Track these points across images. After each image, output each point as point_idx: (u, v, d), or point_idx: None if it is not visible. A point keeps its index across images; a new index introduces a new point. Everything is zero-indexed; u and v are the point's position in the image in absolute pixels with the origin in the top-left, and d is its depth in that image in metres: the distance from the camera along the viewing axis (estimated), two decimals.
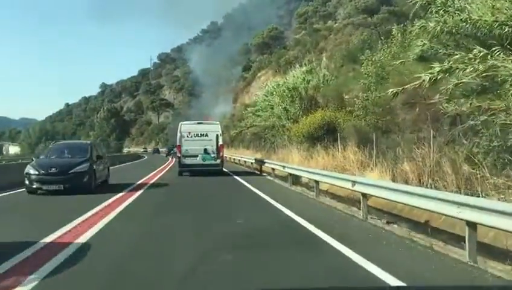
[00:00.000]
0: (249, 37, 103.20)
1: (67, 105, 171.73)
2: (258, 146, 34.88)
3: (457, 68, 7.58)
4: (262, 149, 33.00)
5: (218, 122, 23.16)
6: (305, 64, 30.52)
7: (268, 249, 6.20)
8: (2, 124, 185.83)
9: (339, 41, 56.66)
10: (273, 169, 19.26)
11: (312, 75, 27.10)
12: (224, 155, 40.82)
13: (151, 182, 17.83)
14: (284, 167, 16.21)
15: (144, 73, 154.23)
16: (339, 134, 16.39)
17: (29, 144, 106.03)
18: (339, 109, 19.72)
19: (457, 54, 7.75)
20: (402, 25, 15.73)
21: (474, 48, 7.57)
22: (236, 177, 19.69)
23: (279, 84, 29.35)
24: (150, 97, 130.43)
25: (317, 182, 11.87)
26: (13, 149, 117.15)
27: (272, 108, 29.32)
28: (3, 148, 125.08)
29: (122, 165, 35.27)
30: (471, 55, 7.53)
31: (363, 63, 16.47)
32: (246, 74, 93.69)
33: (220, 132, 21.26)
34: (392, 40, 15.53)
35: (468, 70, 7.44)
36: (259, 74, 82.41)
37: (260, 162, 23.69)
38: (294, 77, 28.87)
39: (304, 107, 26.20)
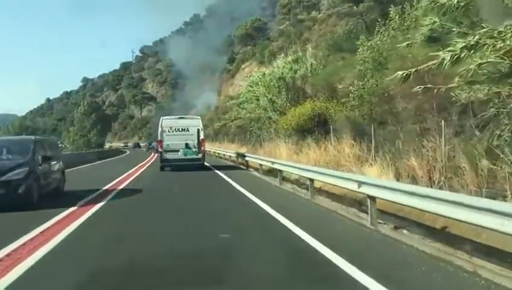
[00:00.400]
0: (232, 29, 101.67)
1: (48, 100, 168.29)
2: (244, 139, 33.58)
3: (486, 44, 6.34)
4: (247, 143, 31.70)
5: (199, 117, 23.16)
6: (290, 54, 29.19)
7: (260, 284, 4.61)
8: None
9: (324, 32, 55.44)
10: (260, 165, 17.94)
11: (299, 65, 25.79)
12: (209, 149, 40.10)
13: (122, 186, 14.06)
14: (272, 162, 14.82)
15: (125, 66, 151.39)
16: (331, 126, 15.14)
17: None
18: (330, 99, 18.47)
19: (484, 28, 6.48)
20: (400, 7, 14.49)
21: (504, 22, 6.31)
22: (221, 174, 18.29)
23: (264, 74, 27.99)
24: (132, 91, 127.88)
25: (312, 180, 10.56)
26: None
27: (258, 99, 27.97)
28: None
29: (98, 162, 33.33)
30: (501, 29, 6.29)
31: (358, 48, 15.14)
32: (230, 66, 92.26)
33: (201, 126, 21.25)
34: (390, 23, 14.28)
35: (498, 46, 6.20)
36: (243, 66, 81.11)
37: (242, 156, 23.06)
38: (279, 67, 27.57)
39: (291, 98, 24.93)
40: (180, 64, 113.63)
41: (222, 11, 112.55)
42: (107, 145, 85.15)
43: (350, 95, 14.07)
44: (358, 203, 10.25)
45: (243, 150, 29.92)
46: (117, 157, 45.12)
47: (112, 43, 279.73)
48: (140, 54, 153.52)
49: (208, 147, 44.66)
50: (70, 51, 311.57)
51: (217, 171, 19.52)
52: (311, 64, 24.93)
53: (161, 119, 21.62)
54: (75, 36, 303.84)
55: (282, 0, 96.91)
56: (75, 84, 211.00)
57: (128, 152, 60.14)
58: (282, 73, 26.37)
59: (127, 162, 32.14)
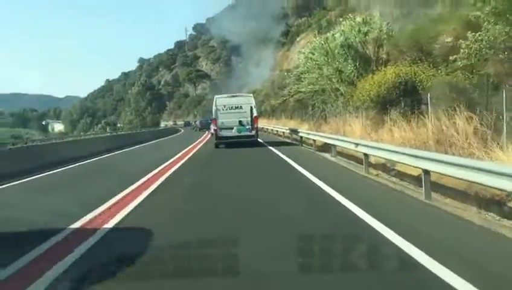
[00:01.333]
0: (286, 0, 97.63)
1: (107, 81, 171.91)
2: (304, 115, 30.30)
3: None
4: (309, 119, 28.41)
5: (251, 95, 23.64)
6: (357, 15, 25.14)
7: None
8: (48, 102, 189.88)
9: None
10: (333, 145, 14.64)
11: (369, 26, 21.97)
12: (266, 127, 37.58)
13: (118, 217, 6.76)
14: (356, 144, 11.34)
15: (180, 45, 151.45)
16: (428, 95, 11.57)
17: (70, 121, 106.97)
18: (418, 62, 14.80)
19: None
20: None
21: None
22: (286, 158, 15.03)
23: (327, 39, 24.31)
24: (187, 69, 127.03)
25: (427, 173, 7.18)
26: (57, 127, 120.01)
27: (320, 68, 24.48)
28: (49, 126, 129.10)
29: (148, 143, 31.09)
30: None
31: None
32: (284, 39, 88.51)
33: (254, 103, 21.49)
34: None
35: None
36: (298, 39, 77.15)
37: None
38: (344, 30, 23.86)
39: (361, 67, 21.34)
40: (233, 39, 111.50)
41: None
42: (162, 124, 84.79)
43: (461, 51, 10.34)
44: (497, 203, 6.96)
45: (304, 127, 26.80)
46: (169, 137, 43.20)
47: (166, 23, 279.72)
48: (193, 33, 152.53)
49: (265, 124, 42.06)
50: (127, 32, 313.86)
51: (279, 154, 16.49)
52: (388, 23, 20.98)
53: (215, 98, 21.81)
54: (131, 17, 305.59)
55: None
56: (132, 65, 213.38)
57: (182, 131, 58.65)
58: (348, 38, 22.73)
59: (176, 143, 29.88)
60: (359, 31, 22.13)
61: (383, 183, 9.25)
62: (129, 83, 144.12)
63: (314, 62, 25.00)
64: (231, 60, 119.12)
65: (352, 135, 17.16)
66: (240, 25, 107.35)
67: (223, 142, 20.69)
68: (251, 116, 20.78)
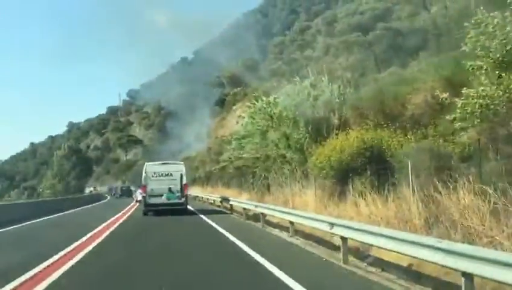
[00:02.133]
0: (221, 71, 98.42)
1: (32, 144, 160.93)
2: (244, 183, 27.80)
3: None
4: (250, 187, 25.92)
5: (182, 163, 23.78)
6: (304, 80, 23.42)
7: None
8: None
9: (328, 66, 50.41)
10: (291, 223, 11.98)
11: (319, 90, 20.42)
12: (201, 196, 34.98)
13: None
14: (332, 224, 8.26)
15: (112, 110, 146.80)
16: (409, 163, 9.49)
17: None
18: (383, 126, 12.98)
19: None
20: None
21: None
22: (243, 246, 12.34)
23: (269, 102, 22.07)
24: (118, 134, 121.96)
25: (469, 276, 4.55)
26: None
27: (263, 134, 22.20)
28: None
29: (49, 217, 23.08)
30: None
31: (469, 37, 8.69)
32: (220, 108, 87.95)
33: (184, 171, 21.66)
34: None
35: None
36: (234, 107, 76.57)
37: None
38: (290, 94, 22.23)
39: (313, 131, 19.47)
40: (168, 105, 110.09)
41: (211, 52, 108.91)
42: (87, 190, 79.02)
43: (457, 110, 8.32)
44: None
45: (243, 197, 24.22)
46: (88, 206, 38.39)
47: (99, 87, 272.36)
48: (127, 98, 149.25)
49: (199, 192, 38.97)
50: (56, 94, 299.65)
51: (225, 234, 13.64)
52: (339, 86, 19.39)
53: (145, 164, 22.03)
54: (62, 80, 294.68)
55: (274, 40, 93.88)
56: (60, 129, 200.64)
57: (108, 198, 53.65)
58: (297, 101, 21.02)
59: (91, 216, 25.96)
60: (309, 94, 20.50)
61: (376, 280, 6.64)
62: (55, 146, 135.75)
63: (256, 126, 22.73)
64: (165, 126, 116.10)
65: (304, 207, 14.87)
66: (174, 91, 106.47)
67: (151, 209, 20.45)
68: (181, 184, 20.82)
